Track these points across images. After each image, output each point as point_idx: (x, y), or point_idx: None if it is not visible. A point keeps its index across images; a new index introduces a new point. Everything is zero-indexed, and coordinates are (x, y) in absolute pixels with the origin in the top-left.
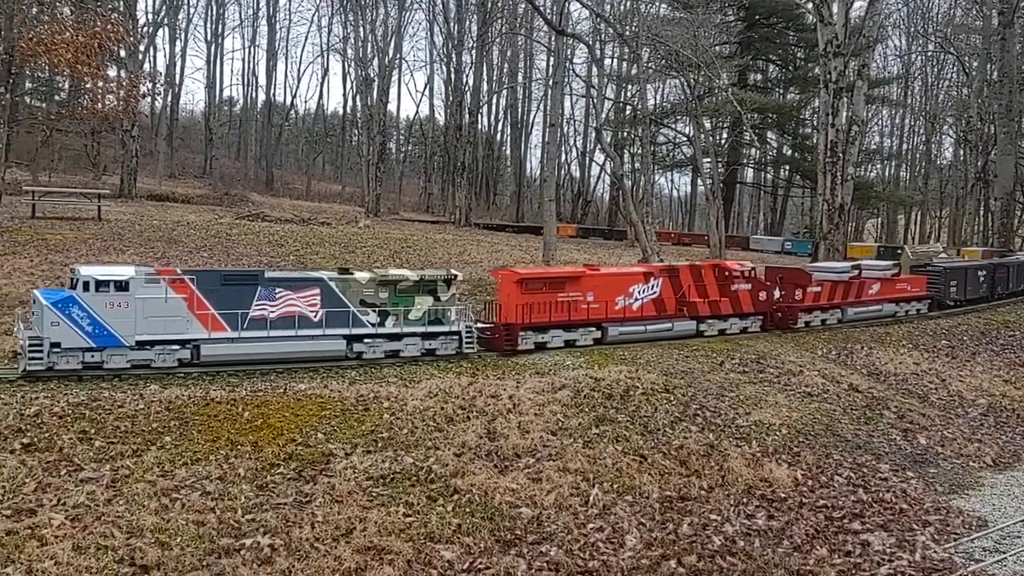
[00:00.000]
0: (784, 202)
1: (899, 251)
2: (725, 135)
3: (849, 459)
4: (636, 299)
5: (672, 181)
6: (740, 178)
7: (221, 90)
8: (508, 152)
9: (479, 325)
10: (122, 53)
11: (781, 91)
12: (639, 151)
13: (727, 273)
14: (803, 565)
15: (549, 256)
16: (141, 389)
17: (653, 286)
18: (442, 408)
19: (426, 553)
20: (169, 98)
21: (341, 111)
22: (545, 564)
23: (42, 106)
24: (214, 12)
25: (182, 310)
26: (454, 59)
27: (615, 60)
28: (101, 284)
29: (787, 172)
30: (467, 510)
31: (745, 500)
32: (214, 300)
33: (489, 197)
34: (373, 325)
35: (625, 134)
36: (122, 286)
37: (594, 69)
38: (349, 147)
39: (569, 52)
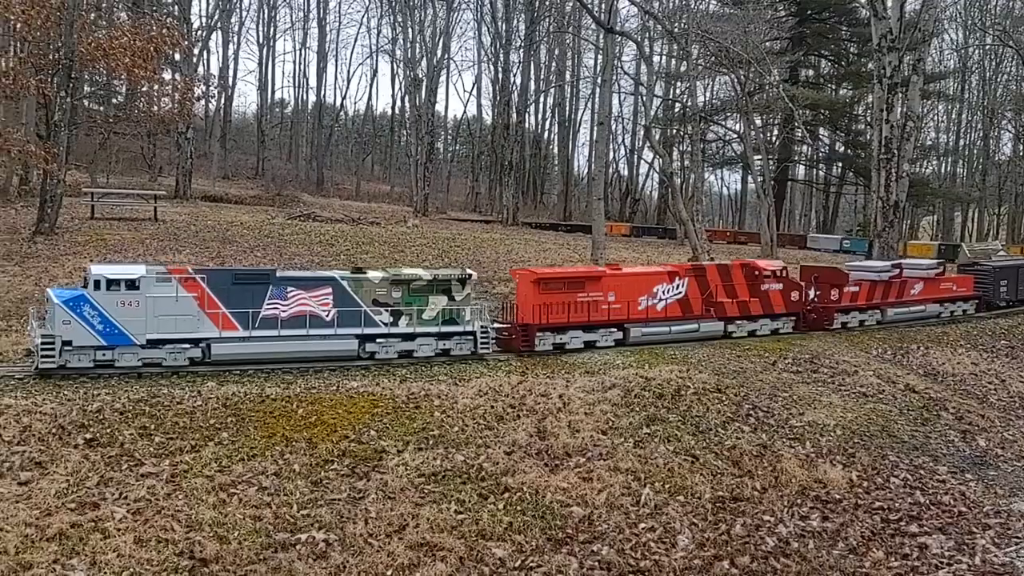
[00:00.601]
0: (837, 199)
1: (957, 248)
2: (776, 132)
3: (906, 461)
4: (660, 299)
5: (722, 179)
6: (791, 175)
7: (273, 92)
8: (555, 151)
9: (496, 325)
10: (177, 57)
11: (834, 87)
12: (688, 148)
13: (757, 272)
14: (859, 568)
15: (598, 256)
16: (199, 386)
17: (678, 286)
18: (492, 406)
19: (478, 550)
20: (222, 101)
21: (390, 112)
22: (597, 563)
23: (100, 109)
24: (266, 15)
25: (193, 309)
26: (502, 58)
27: (664, 57)
28: (112, 283)
29: (840, 169)
30: (518, 508)
31: (799, 501)
32: (225, 299)
33: (536, 196)
34: (386, 325)
35: (674, 131)
36: (133, 285)
37: (643, 66)
38: (398, 147)
39: (618, 50)
